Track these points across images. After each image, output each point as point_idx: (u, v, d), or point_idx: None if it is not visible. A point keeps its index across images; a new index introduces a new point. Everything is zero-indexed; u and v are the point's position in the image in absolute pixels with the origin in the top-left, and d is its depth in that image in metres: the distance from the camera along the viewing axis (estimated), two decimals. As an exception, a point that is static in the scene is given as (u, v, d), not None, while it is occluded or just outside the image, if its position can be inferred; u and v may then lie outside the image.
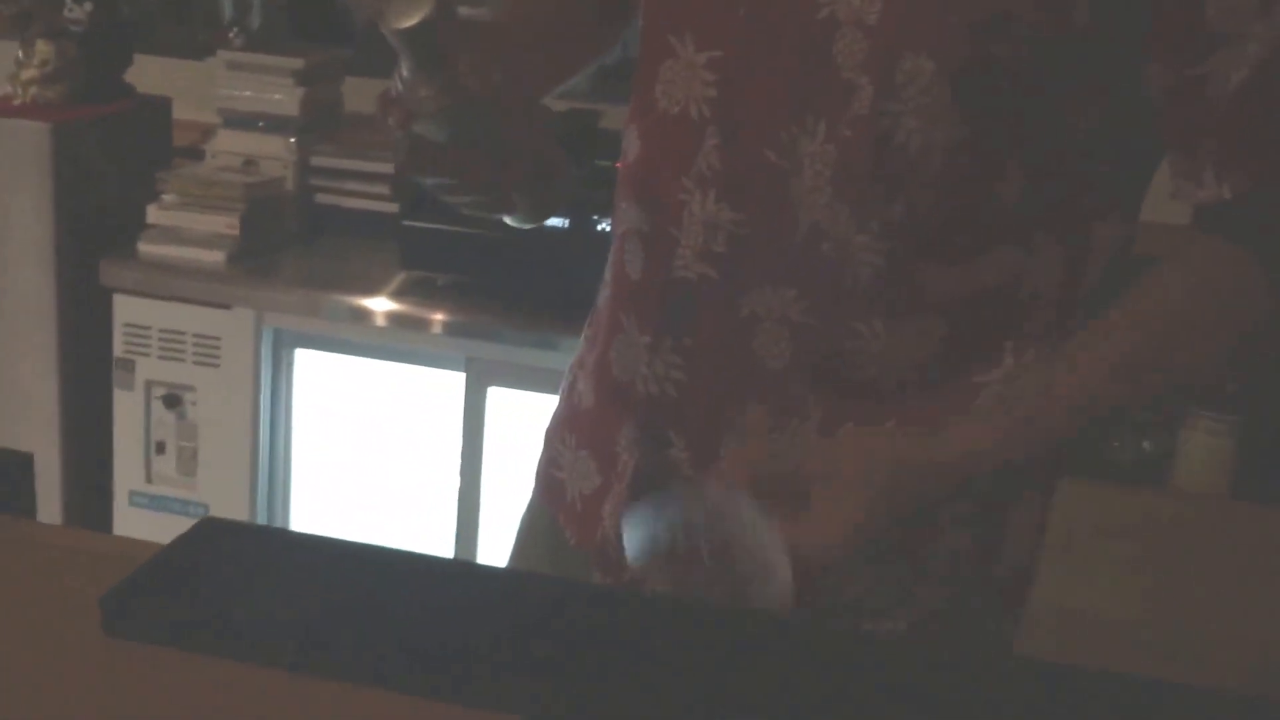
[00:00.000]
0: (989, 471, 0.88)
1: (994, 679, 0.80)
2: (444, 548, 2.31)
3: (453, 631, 0.78)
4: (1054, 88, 0.87)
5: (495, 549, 2.30)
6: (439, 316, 2.26)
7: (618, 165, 1.04)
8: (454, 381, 2.31)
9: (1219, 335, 0.87)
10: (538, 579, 0.97)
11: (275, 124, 2.52)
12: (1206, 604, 2.08)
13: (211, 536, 0.87)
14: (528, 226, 1.01)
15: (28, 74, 2.42)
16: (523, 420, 2.26)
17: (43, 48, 2.43)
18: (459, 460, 2.32)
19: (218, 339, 2.37)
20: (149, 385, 2.42)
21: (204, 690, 0.73)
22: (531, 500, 1.15)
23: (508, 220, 0.99)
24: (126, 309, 2.40)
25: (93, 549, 0.89)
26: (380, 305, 2.29)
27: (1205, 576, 2.10)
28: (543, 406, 2.28)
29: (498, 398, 2.29)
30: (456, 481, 2.32)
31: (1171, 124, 0.86)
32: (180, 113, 2.66)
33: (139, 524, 2.45)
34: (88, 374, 2.45)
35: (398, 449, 2.42)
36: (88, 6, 2.49)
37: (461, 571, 0.92)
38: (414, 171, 0.89)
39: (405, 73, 0.86)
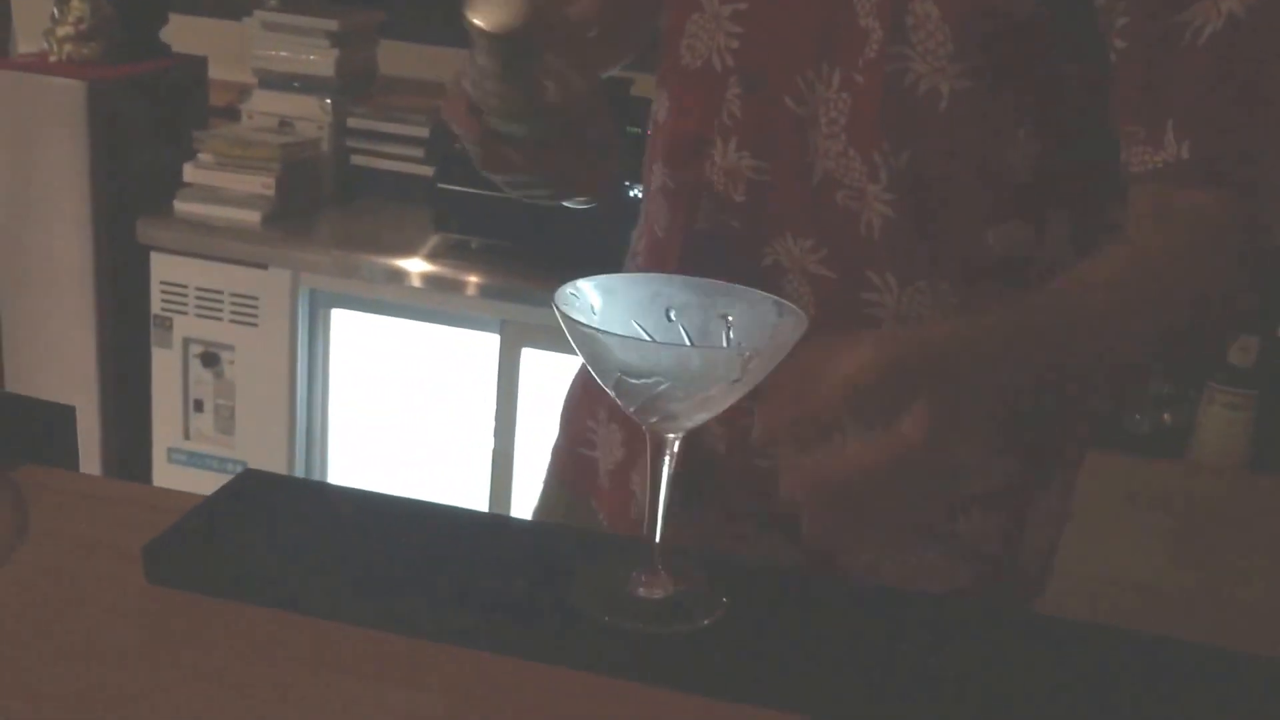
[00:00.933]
0: (991, 366, 0.73)
1: (1018, 636, 0.80)
2: (478, 507, 2.32)
3: (487, 583, 0.79)
4: (1061, 51, 0.85)
5: (529, 507, 2.31)
6: (473, 279, 2.27)
7: (648, 132, 1.03)
8: (488, 343, 2.32)
9: (1179, 295, 0.81)
10: (570, 531, 0.97)
11: (310, 85, 2.53)
12: (1223, 572, 2.10)
13: (253, 488, 0.88)
14: (586, 207, 0.99)
15: (63, 31, 2.43)
16: (557, 382, 2.27)
17: (78, 5, 2.43)
18: (493, 420, 2.33)
19: (255, 298, 2.38)
20: (187, 343, 2.44)
21: (244, 637, 0.74)
22: (544, 491, 1.15)
23: (569, 204, 0.97)
24: (164, 267, 2.41)
25: (134, 499, 0.89)
26: (415, 267, 2.29)
27: (1223, 545, 2.12)
28: (577, 368, 2.30)
29: (532, 359, 2.30)
30: (491, 442, 2.33)
31: (1134, 80, 0.83)
32: (216, 73, 2.67)
33: (177, 481, 2.47)
34: (126, 332, 2.47)
35: (433, 410, 2.44)
36: (123, -36, 2.50)
37: (495, 525, 0.93)
38: (490, 169, 0.87)
39: (480, 63, 0.81)
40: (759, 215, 0.93)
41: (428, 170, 2.46)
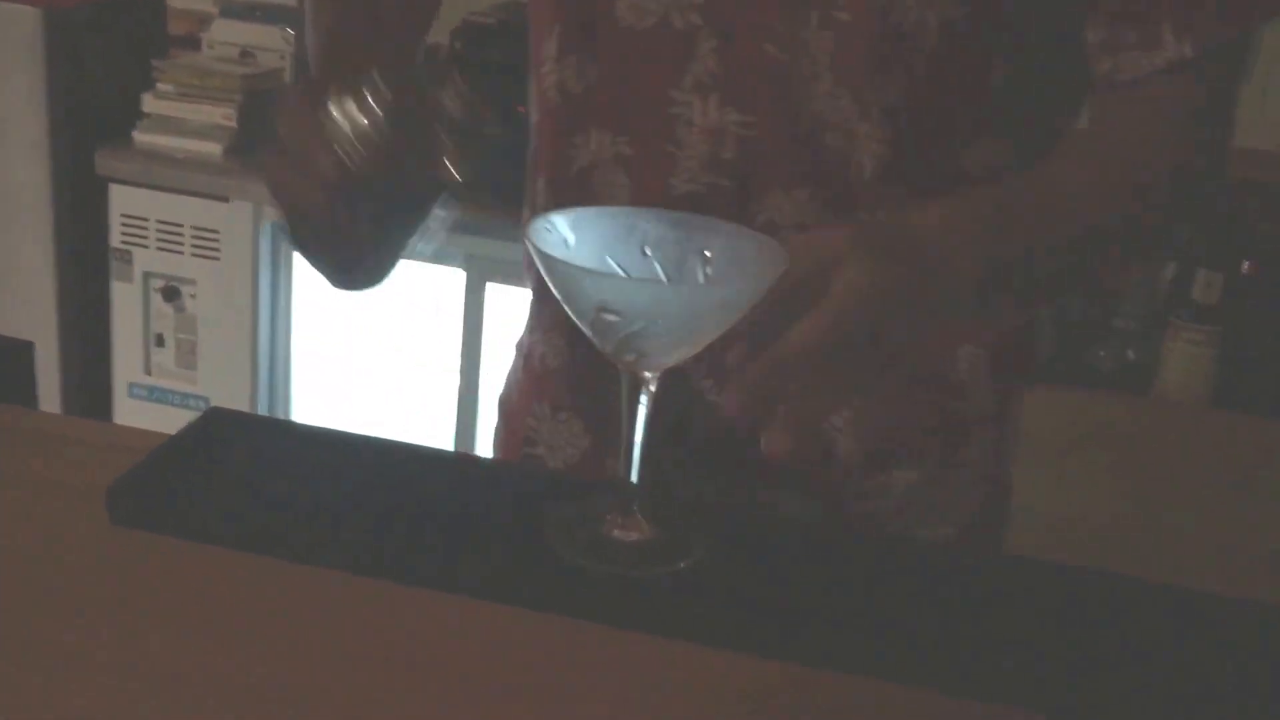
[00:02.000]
0: (969, 259, 0.76)
1: (994, 578, 0.81)
2: (444, 441, 2.32)
3: (457, 524, 0.79)
4: None
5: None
6: (438, 212, 2.25)
7: (534, 108, 1.00)
8: (454, 278, 2.30)
9: (1154, 170, 0.86)
10: (543, 471, 0.97)
11: (272, 14, 2.49)
12: (1186, 508, 2.13)
13: (218, 427, 0.87)
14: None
15: (19, -42, 2.38)
16: (523, 317, 2.26)
17: (34, -69, 2.38)
18: (459, 356, 2.32)
19: (216, 232, 2.35)
20: (147, 277, 2.41)
21: (209, 579, 0.73)
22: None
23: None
24: (123, 199, 2.38)
25: (97, 439, 0.88)
26: (379, 200, 2.27)
27: (1185, 481, 2.15)
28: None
29: (496, 293, 2.29)
30: (456, 378, 2.32)
31: None
32: (175, 0, 2.62)
33: (138, 416, 2.45)
34: (85, 265, 2.44)
35: (397, 345, 2.42)
36: (79, -111, 2.45)
37: (466, 464, 0.93)
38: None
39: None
40: (750, 170, 0.91)
41: (392, 102, 2.43)
